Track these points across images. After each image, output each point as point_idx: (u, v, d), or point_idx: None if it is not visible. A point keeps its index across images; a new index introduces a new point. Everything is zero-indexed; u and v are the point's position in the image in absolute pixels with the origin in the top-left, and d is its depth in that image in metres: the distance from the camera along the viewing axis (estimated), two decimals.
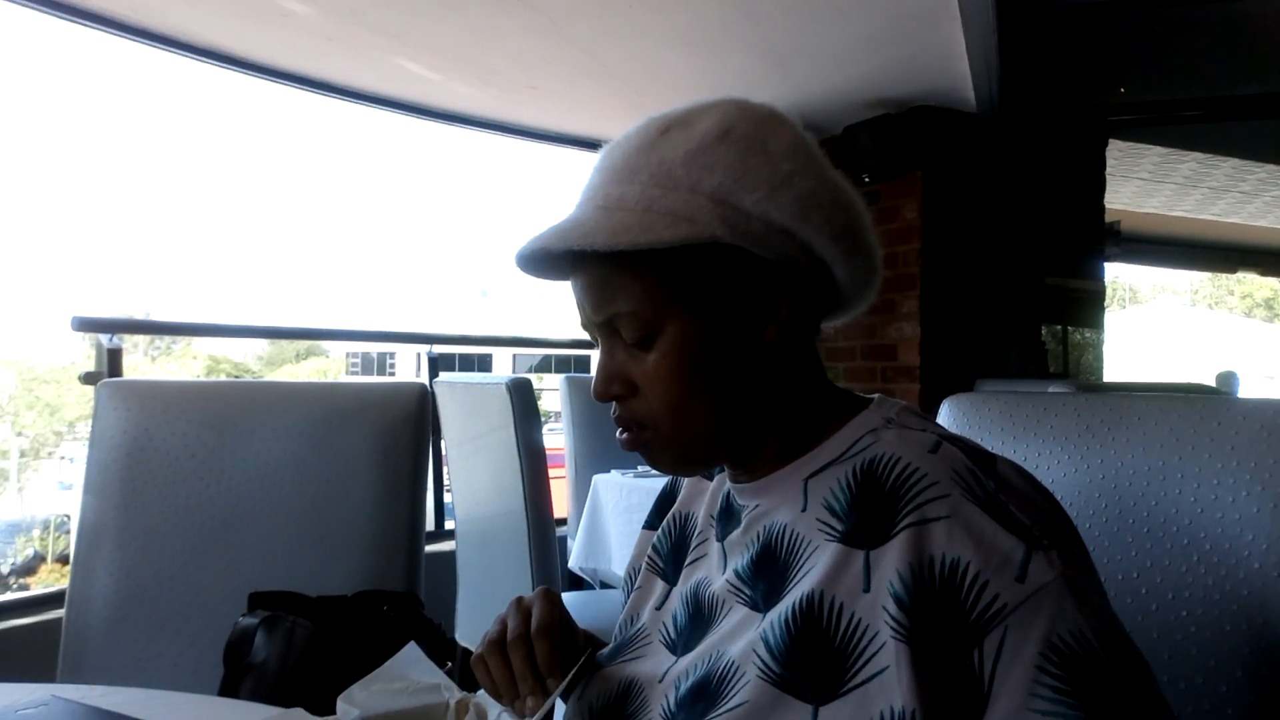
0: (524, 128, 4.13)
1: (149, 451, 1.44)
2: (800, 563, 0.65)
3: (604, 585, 3.06)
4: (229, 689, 1.10)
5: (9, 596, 2.46)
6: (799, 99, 3.66)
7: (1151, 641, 0.77)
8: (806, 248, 0.67)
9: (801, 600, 0.61)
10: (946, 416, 0.99)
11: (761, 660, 0.62)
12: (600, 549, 2.95)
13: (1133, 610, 0.78)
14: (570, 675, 0.70)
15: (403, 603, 1.26)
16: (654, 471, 0.91)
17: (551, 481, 2.53)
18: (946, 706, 0.55)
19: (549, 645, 0.70)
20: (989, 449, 0.66)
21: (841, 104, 3.71)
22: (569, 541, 3.19)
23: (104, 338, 2.74)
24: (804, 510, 0.67)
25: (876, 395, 0.72)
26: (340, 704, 0.72)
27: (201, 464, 1.44)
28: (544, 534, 2.45)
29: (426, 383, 3.21)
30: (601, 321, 0.70)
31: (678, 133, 0.67)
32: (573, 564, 3.06)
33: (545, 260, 0.70)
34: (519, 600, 0.74)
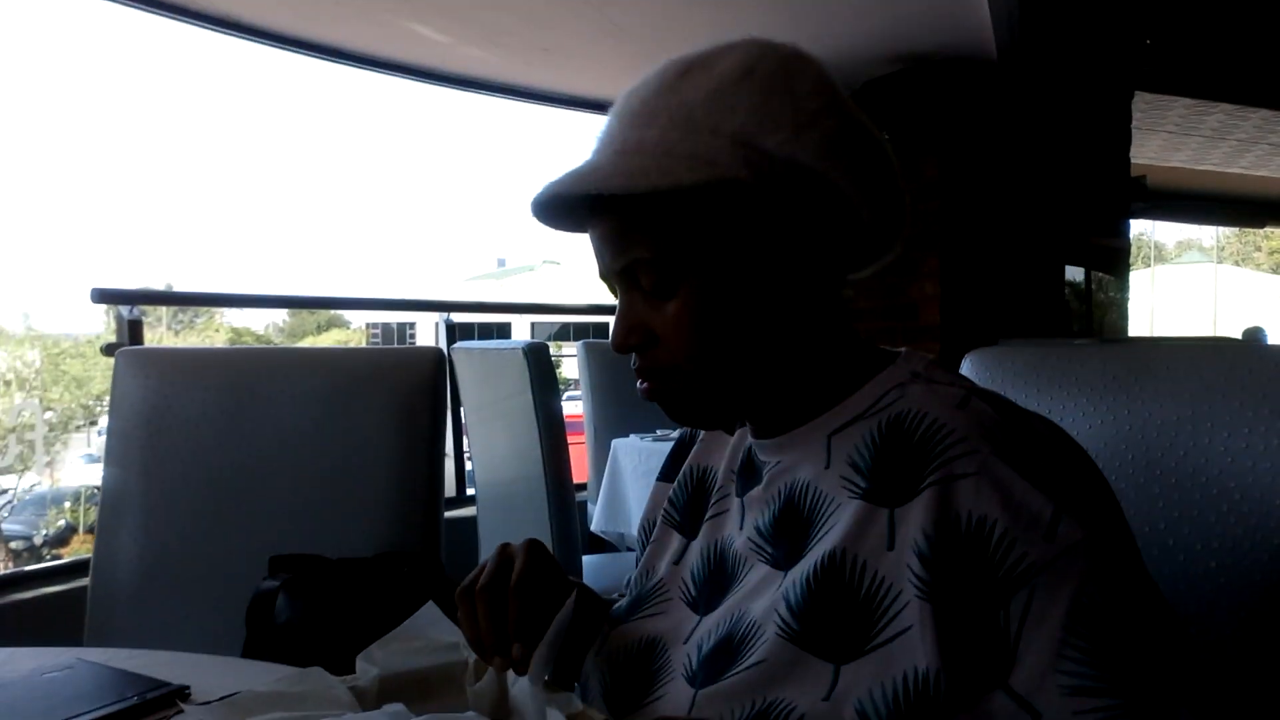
0: (537, 91, 4.09)
1: (169, 419, 1.45)
2: (823, 520, 0.63)
3: (629, 549, 3.08)
4: (252, 651, 1.11)
5: (35, 566, 2.51)
6: (815, 53, 3.59)
7: (1180, 594, 0.75)
8: (834, 191, 0.64)
9: (824, 558, 0.60)
10: (970, 371, 0.97)
11: (781, 619, 0.61)
12: (620, 512, 2.97)
13: (1160, 562, 0.77)
14: (550, 639, 0.66)
15: (422, 564, 1.27)
16: (672, 435, 0.90)
17: (571, 447, 2.53)
18: (970, 666, 0.54)
19: (519, 605, 0.67)
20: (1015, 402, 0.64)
21: (860, 59, 3.64)
22: (589, 506, 3.21)
23: (124, 309, 2.75)
24: (827, 467, 0.65)
25: (904, 349, 0.70)
26: (360, 663, 0.72)
27: (221, 430, 1.44)
28: (563, 498, 2.46)
29: (444, 348, 3.22)
30: (620, 269, 0.67)
31: (698, 74, 0.64)
32: (594, 527, 3.09)
33: (561, 209, 0.68)
34: (504, 548, 0.72)
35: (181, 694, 0.86)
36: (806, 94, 0.64)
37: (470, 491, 3.38)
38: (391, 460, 1.44)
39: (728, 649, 0.64)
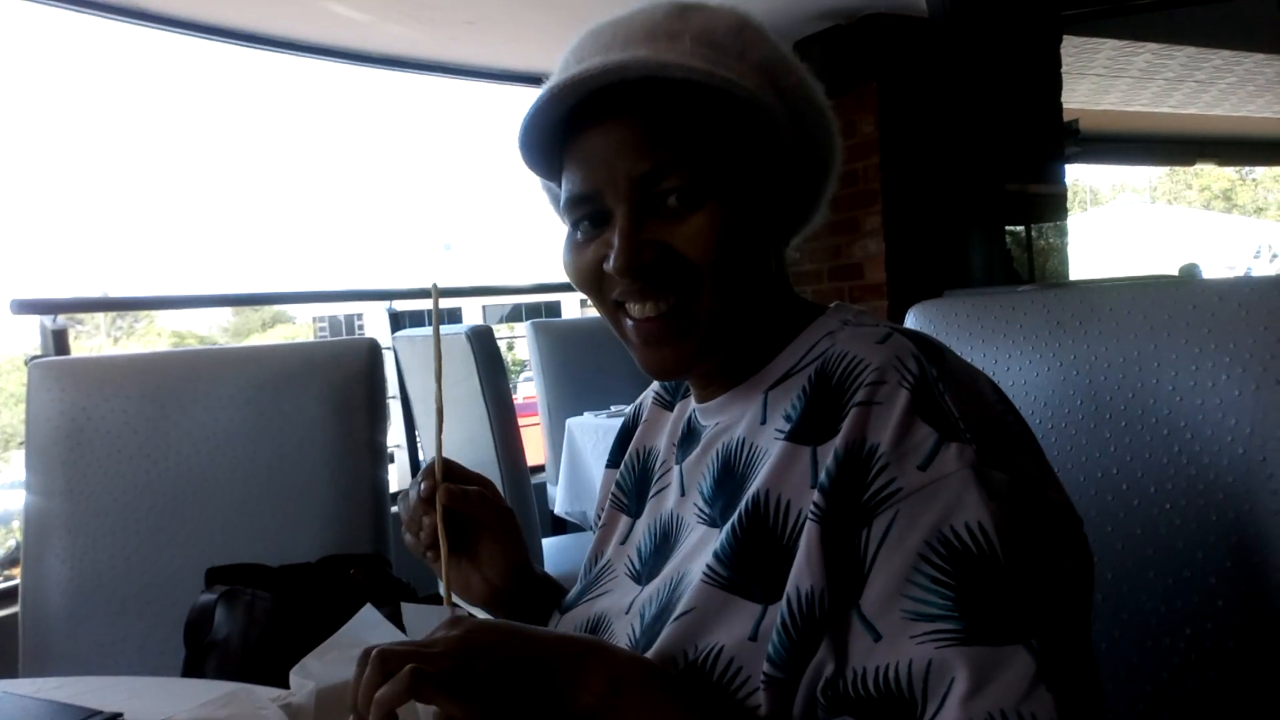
0: (465, 67, 3.98)
1: (89, 432, 1.38)
2: (755, 473, 0.63)
3: (593, 529, 3.05)
4: (192, 669, 1.06)
5: None
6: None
7: (1135, 537, 0.74)
8: (821, 140, 0.68)
9: (748, 502, 0.60)
10: (914, 325, 0.95)
11: (709, 567, 0.60)
12: (583, 491, 2.94)
13: (1115, 506, 0.76)
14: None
15: (371, 564, 1.22)
16: (625, 410, 0.88)
17: (528, 429, 2.49)
18: (845, 587, 0.55)
19: (431, 522, 0.72)
20: (960, 354, 0.63)
21: (791, 17, 3.60)
22: (550, 488, 3.18)
23: (46, 319, 2.63)
24: (763, 423, 0.65)
25: (835, 302, 0.70)
26: (294, 677, 0.67)
27: (146, 440, 1.37)
28: (519, 481, 2.42)
29: (390, 339, 3.14)
30: (642, 175, 0.62)
31: (697, 13, 0.65)
32: (557, 509, 3.05)
33: (555, 121, 0.63)
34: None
35: None
36: (791, 55, 0.67)
37: None
38: (331, 457, 1.39)
39: (667, 610, 0.63)
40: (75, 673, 1.29)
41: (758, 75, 0.63)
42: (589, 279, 0.66)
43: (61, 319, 2.67)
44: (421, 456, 3.26)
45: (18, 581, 1.43)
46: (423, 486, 0.72)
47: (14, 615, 1.46)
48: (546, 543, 2.66)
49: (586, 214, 0.65)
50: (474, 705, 0.51)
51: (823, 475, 0.57)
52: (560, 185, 0.67)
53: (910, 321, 0.95)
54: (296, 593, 1.09)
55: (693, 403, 0.74)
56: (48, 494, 1.37)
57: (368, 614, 0.75)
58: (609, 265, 0.63)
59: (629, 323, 0.66)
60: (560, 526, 3.39)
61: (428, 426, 2.84)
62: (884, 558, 0.54)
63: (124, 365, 1.46)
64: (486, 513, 0.76)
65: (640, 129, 0.62)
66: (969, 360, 0.87)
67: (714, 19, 0.64)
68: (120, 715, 0.83)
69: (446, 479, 0.73)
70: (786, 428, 0.61)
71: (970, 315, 0.89)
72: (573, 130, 0.64)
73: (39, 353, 2.63)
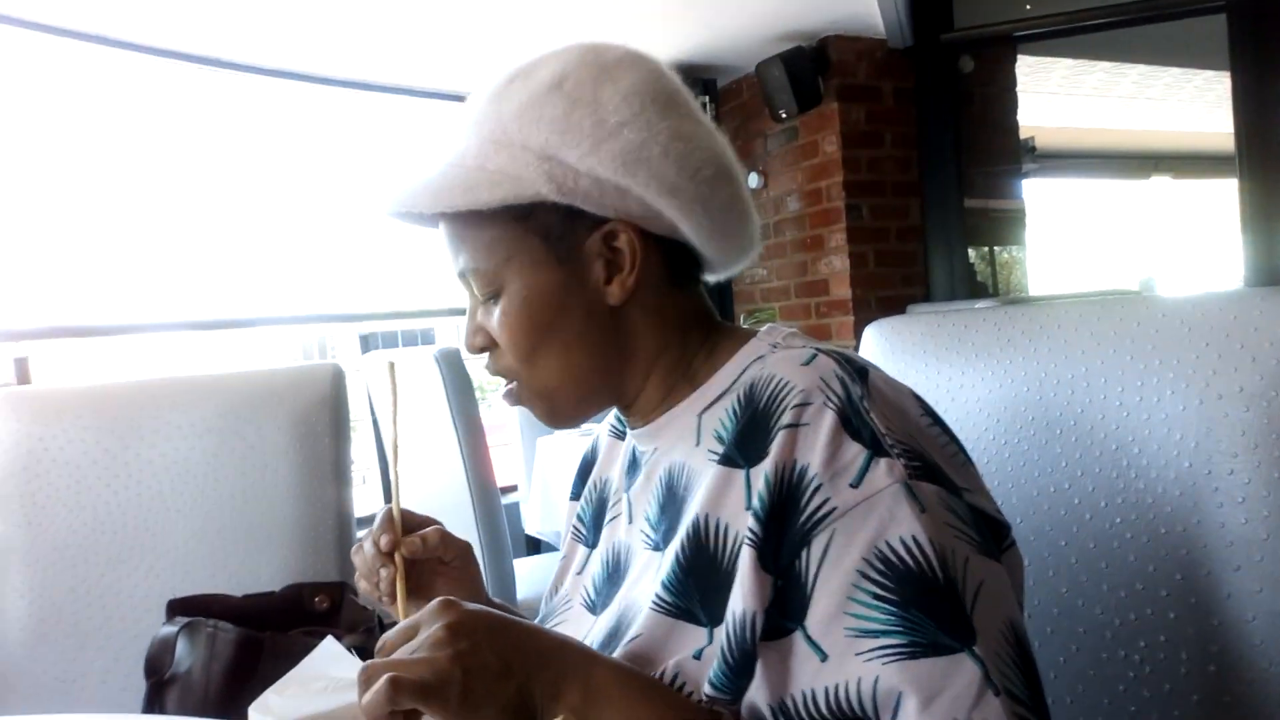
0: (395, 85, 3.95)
1: (46, 463, 1.35)
2: (691, 495, 0.64)
3: None
4: (152, 705, 1.04)
5: None
6: (708, 36, 3.59)
7: (1089, 551, 0.76)
8: (643, 204, 0.64)
9: (689, 527, 0.61)
10: (869, 343, 0.97)
11: (656, 595, 0.62)
12: (555, 511, 2.93)
13: (1067, 521, 0.77)
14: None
15: (336, 592, 1.21)
16: (595, 430, 0.89)
17: (497, 450, 2.48)
18: (780, 610, 0.56)
19: (390, 574, 0.72)
20: (913, 373, 0.64)
21: (752, 39, 3.65)
22: (522, 508, 3.16)
23: (8, 348, 2.59)
24: (697, 445, 0.66)
25: (765, 325, 0.71)
26: (253, 714, 0.67)
27: (106, 470, 1.35)
28: (489, 503, 2.41)
29: (361, 362, 3.12)
30: (458, 275, 0.70)
31: (519, 83, 0.66)
32: (530, 529, 3.04)
33: (412, 214, 0.68)
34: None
35: None
36: (613, 106, 0.63)
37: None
38: (295, 484, 1.37)
39: (617, 636, 0.64)
40: (34, 709, 1.27)
41: (536, 161, 0.63)
42: None
43: (21, 350, 2.63)
44: (391, 477, 3.23)
45: None
46: (382, 541, 0.72)
47: None
48: (518, 563, 2.64)
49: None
50: (455, 707, 0.51)
51: (755, 499, 0.58)
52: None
53: (866, 340, 0.97)
54: (260, 623, 1.07)
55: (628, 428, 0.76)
56: (4, 526, 1.34)
57: (329, 646, 0.74)
58: None
59: None
60: (536, 546, 3.36)
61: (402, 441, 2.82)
62: (824, 577, 0.55)
63: (82, 395, 1.44)
64: (448, 551, 0.77)
65: (447, 235, 0.69)
66: (925, 377, 0.88)
67: (517, 95, 0.65)
68: None
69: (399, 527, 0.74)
70: (720, 450, 0.63)
71: (924, 333, 0.90)
72: None
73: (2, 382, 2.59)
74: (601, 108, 0.63)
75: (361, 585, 0.76)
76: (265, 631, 1.07)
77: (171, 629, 1.06)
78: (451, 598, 0.56)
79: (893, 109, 3.86)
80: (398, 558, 0.72)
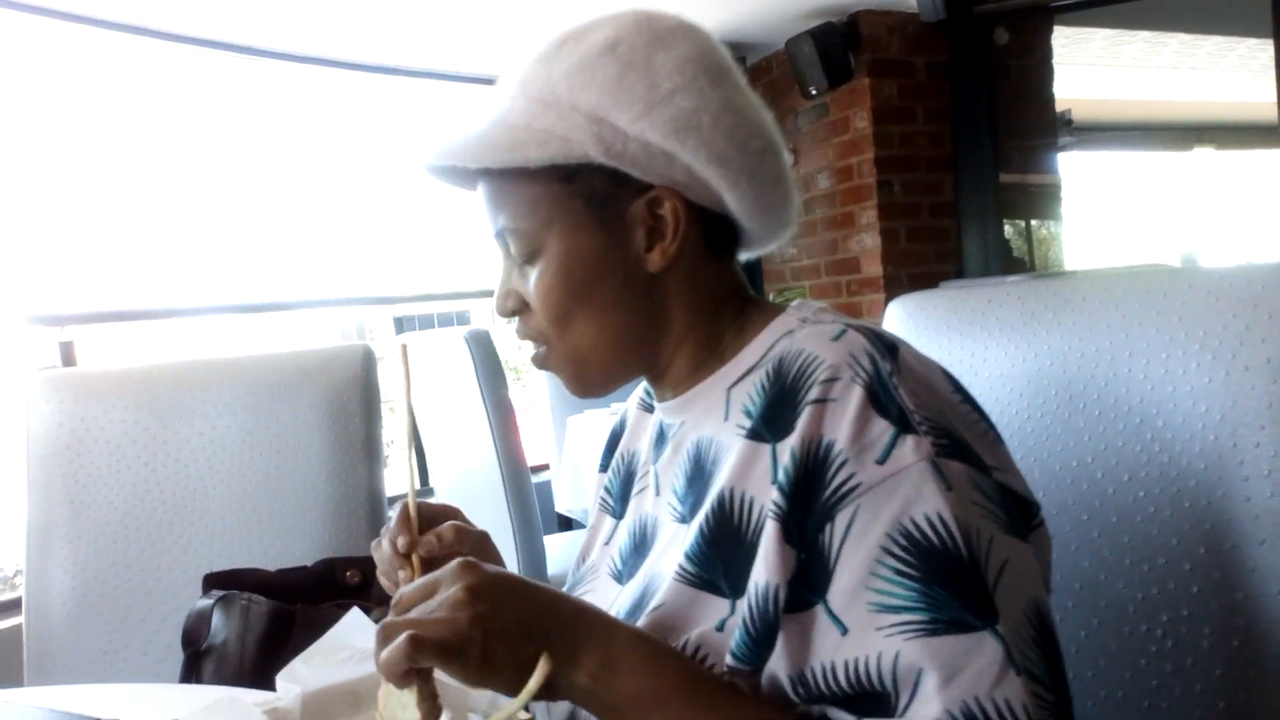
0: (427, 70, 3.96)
1: (88, 443, 1.39)
2: (719, 468, 0.64)
3: None
4: (190, 675, 1.07)
5: None
6: (737, 13, 3.55)
7: (1111, 525, 0.75)
8: (690, 172, 0.64)
9: (714, 500, 0.62)
10: (893, 319, 0.96)
11: (679, 565, 0.62)
12: (586, 489, 2.95)
13: (1090, 495, 0.77)
14: None
15: (367, 567, 1.23)
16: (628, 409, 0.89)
17: (528, 429, 2.50)
18: (802, 583, 0.56)
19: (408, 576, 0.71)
20: (938, 348, 0.64)
21: (781, 15, 3.60)
22: (553, 486, 3.19)
23: (55, 332, 2.66)
24: (725, 419, 0.66)
25: (796, 300, 0.71)
26: (280, 682, 0.69)
27: (145, 449, 1.39)
28: (519, 482, 2.43)
29: (399, 343, 3.15)
30: (494, 235, 0.69)
31: (570, 45, 0.66)
32: (561, 506, 3.07)
33: (451, 172, 0.69)
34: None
35: None
36: (666, 71, 0.64)
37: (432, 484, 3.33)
38: (327, 462, 1.40)
39: (641, 606, 0.65)
40: (78, 681, 1.31)
41: (586, 123, 0.63)
42: None
43: (68, 333, 2.70)
44: (407, 469, 3.27)
45: (20, 593, 1.45)
46: (400, 543, 0.71)
47: (18, 625, 1.47)
48: (549, 540, 2.67)
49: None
50: (474, 667, 0.52)
51: (780, 473, 0.58)
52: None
53: (890, 316, 0.96)
54: (293, 596, 1.10)
55: (654, 401, 0.76)
56: (49, 505, 1.38)
57: (355, 617, 0.76)
58: None
59: None
60: (567, 523, 3.39)
61: (433, 421, 2.85)
62: (848, 552, 0.55)
63: (122, 376, 1.48)
64: (464, 544, 0.75)
65: (487, 193, 0.68)
66: (949, 352, 0.88)
67: (568, 57, 0.65)
68: None
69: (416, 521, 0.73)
70: (747, 424, 0.63)
71: (949, 308, 0.90)
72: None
73: (48, 365, 2.66)
74: (655, 73, 0.63)
75: (383, 582, 0.75)
76: (297, 604, 1.09)
77: (207, 602, 1.09)
78: (471, 559, 0.56)
79: (925, 83, 3.80)
80: (415, 559, 0.71)
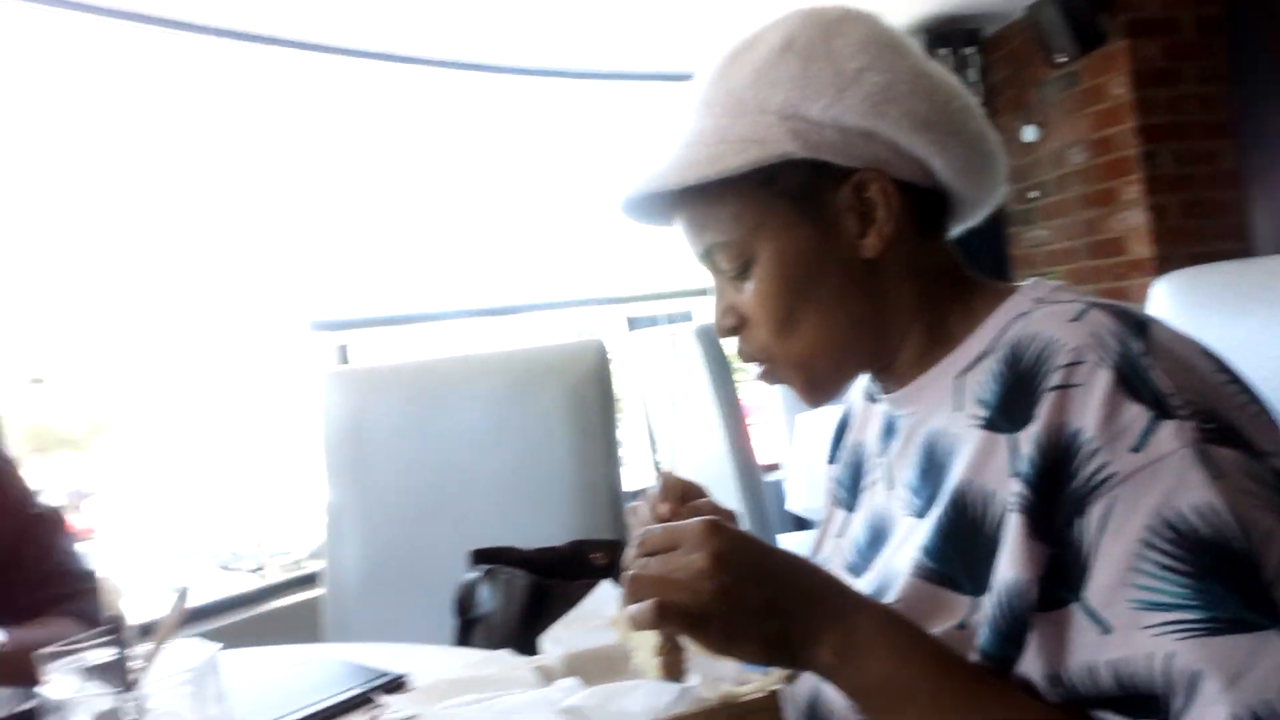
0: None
1: (369, 432, 1.58)
2: (953, 460, 0.62)
3: None
4: (462, 639, 1.19)
5: (277, 579, 2.81)
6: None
7: None
8: (893, 146, 0.64)
9: (952, 494, 0.60)
10: (1160, 298, 0.88)
11: (917, 561, 0.61)
12: (818, 487, 2.92)
13: None
14: None
15: (612, 549, 1.31)
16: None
17: (759, 428, 2.52)
18: (1055, 580, 0.54)
19: None
20: (1211, 328, 0.59)
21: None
22: (785, 485, 3.19)
23: (333, 336, 3.04)
24: (957, 409, 0.64)
25: (1030, 280, 0.67)
26: (544, 643, 0.75)
27: (416, 437, 1.55)
28: (752, 479, 2.46)
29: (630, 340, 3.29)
30: (701, 256, 0.70)
31: (744, 56, 0.67)
32: (791, 506, 3.06)
33: (647, 207, 0.71)
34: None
35: (398, 683, 0.94)
36: (848, 54, 0.64)
37: None
38: (570, 452, 1.49)
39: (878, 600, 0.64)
40: (369, 640, 1.49)
41: (778, 121, 0.63)
42: None
43: (343, 336, 3.09)
44: (657, 450, 3.37)
45: (312, 570, 1.67)
46: (663, 509, 0.71)
47: (316, 597, 1.69)
48: (781, 539, 2.67)
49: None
50: (716, 640, 0.54)
51: (1024, 465, 0.56)
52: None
53: (1157, 295, 0.89)
54: (549, 572, 1.19)
55: (880, 393, 0.74)
56: (342, 486, 1.58)
57: (605, 589, 0.82)
58: None
59: None
60: (800, 524, 3.37)
61: (661, 418, 2.94)
62: (1105, 547, 0.52)
63: (394, 372, 1.66)
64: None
65: (687, 218, 0.69)
66: (1225, 331, 0.80)
67: (746, 67, 0.66)
68: (404, 676, 0.95)
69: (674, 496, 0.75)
70: (983, 415, 0.61)
71: (1224, 285, 0.81)
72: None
73: (326, 365, 3.05)
74: (837, 58, 0.64)
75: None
76: (552, 579, 1.18)
77: (475, 574, 1.21)
78: (717, 520, 0.57)
79: (1194, 42, 3.41)
80: None
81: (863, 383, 0.84)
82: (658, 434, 3.16)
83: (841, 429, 0.87)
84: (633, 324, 4.47)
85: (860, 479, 0.79)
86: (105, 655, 0.78)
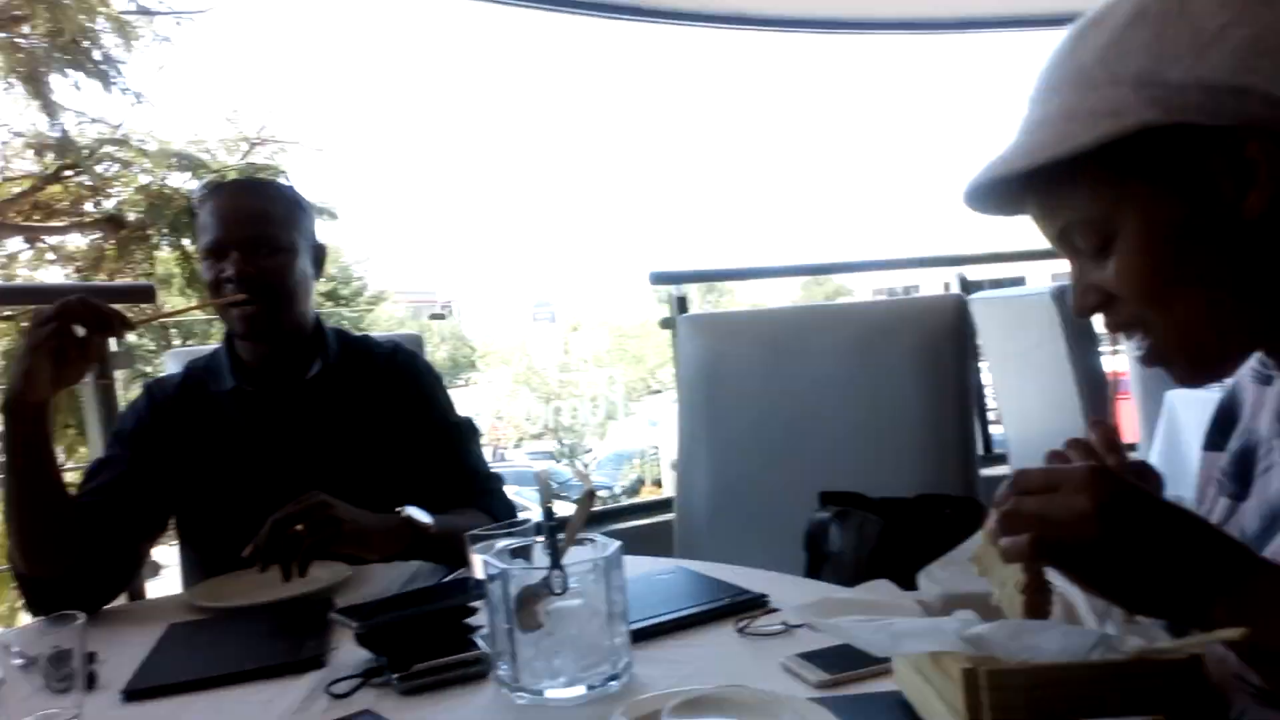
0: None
1: (723, 373, 1.68)
2: None
3: None
4: (811, 573, 1.24)
5: (635, 500, 3.05)
6: None
7: None
8: (1268, 99, 0.58)
9: None
10: None
11: None
12: (1181, 475, 2.61)
13: None
14: None
15: (964, 506, 1.28)
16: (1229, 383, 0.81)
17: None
18: None
19: None
20: None
21: None
22: None
23: (673, 288, 3.22)
24: None
25: None
26: (921, 580, 0.77)
27: (766, 382, 1.63)
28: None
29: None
30: (1056, 237, 0.68)
31: (1092, 32, 0.64)
32: None
33: (993, 196, 0.70)
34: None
35: (760, 601, 1.01)
36: (1207, 12, 0.60)
37: (999, 451, 3.26)
38: (920, 406, 1.48)
39: None
40: (717, 561, 1.60)
41: (1133, 91, 0.60)
42: None
43: (681, 288, 3.26)
44: (993, 415, 3.20)
45: (668, 496, 1.80)
46: (1111, 460, 0.71)
47: (663, 522, 1.84)
48: None
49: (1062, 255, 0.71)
50: (1091, 583, 0.54)
51: None
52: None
53: None
54: (898, 521, 1.20)
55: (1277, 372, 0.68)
56: (694, 422, 1.70)
57: (978, 539, 0.81)
58: None
59: None
60: None
61: (1003, 387, 2.79)
62: None
63: (747, 320, 1.74)
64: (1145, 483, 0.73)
65: (1040, 200, 0.68)
66: None
67: (1093, 41, 0.63)
68: (766, 596, 1.02)
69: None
70: None
71: None
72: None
73: (667, 316, 3.24)
74: (1196, 18, 0.60)
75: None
76: (904, 529, 1.19)
77: (826, 515, 1.25)
78: (1106, 468, 0.57)
79: None
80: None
81: (1250, 362, 0.76)
82: (995, 400, 3.00)
83: (1224, 413, 0.79)
84: (966, 286, 4.25)
85: (1250, 465, 0.72)
86: (524, 540, 0.93)
